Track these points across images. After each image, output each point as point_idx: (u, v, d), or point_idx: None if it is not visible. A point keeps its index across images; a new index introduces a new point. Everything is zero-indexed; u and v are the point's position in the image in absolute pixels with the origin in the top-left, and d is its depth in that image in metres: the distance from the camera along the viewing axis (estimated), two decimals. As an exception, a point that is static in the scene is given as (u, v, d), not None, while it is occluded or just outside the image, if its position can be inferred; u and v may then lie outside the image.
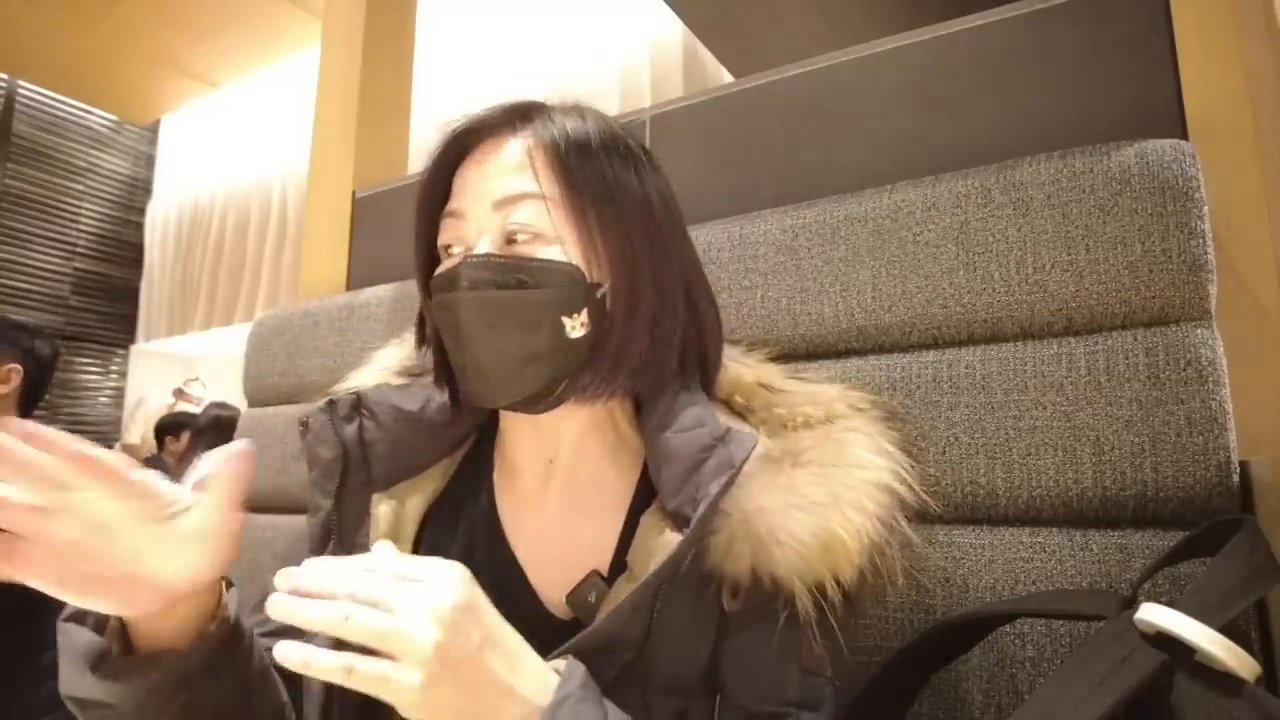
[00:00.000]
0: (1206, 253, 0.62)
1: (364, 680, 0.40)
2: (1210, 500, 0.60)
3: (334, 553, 0.58)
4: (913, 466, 0.57)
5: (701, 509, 0.50)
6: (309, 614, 0.41)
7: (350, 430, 0.60)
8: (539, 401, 0.57)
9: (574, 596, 0.55)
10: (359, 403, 0.61)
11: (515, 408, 0.57)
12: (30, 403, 1.48)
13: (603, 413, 0.62)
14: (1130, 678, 0.43)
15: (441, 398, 0.62)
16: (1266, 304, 0.66)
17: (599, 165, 0.57)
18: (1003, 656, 0.63)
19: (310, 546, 0.60)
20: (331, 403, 0.60)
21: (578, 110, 0.60)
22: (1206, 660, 0.43)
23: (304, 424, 0.61)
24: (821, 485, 0.54)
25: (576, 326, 0.55)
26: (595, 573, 0.56)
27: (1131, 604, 0.49)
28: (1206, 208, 0.63)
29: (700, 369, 0.62)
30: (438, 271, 0.59)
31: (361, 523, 0.59)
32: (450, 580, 0.43)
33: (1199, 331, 0.62)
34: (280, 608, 0.42)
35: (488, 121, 0.59)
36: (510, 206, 0.56)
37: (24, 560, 0.40)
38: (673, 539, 0.52)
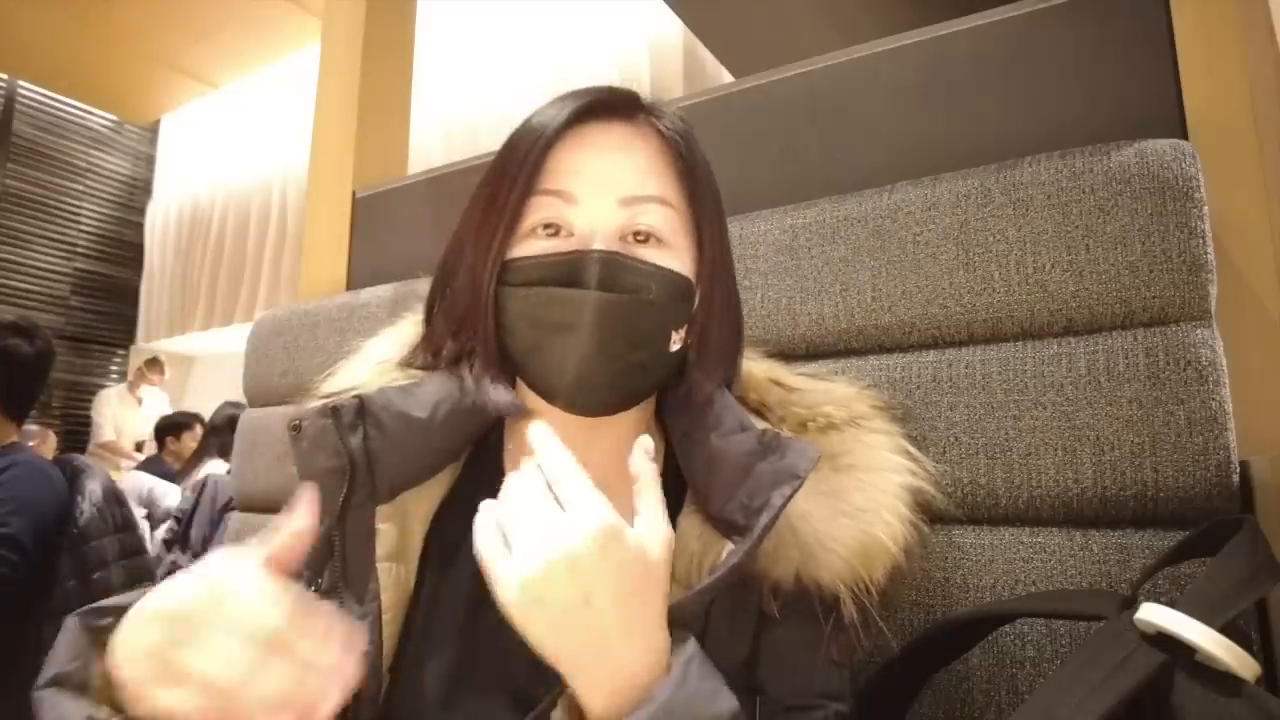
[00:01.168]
0: (1206, 253, 0.62)
1: (488, 558, 0.43)
2: (1210, 500, 0.60)
3: (335, 572, 0.53)
4: (930, 464, 0.58)
5: (764, 519, 0.48)
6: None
7: (356, 441, 0.54)
8: (621, 410, 0.56)
9: None
10: (363, 409, 0.55)
11: (596, 414, 0.55)
12: (13, 403, 1.39)
13: (643, 418, 0.61)
14: (1130, 678, 0.43)
15: (495, 394, 0.57)
16: (1266, 304, 0.66)
17: (707, 172, 0.58)
18: (1003, 656, 0.63)
19: (306, 561, 0.55)
20: (335, 409, 0.54)
21: (671, 107, 0.59)
22: (1207, 660, 0.43)
23: (296, 426, 0.55)
24: (862, 491, 0.54)
25: (677, 341, 0.55)
26: None
27: (1131, 604, 0.49)
28: (1206, 208, 0.63)
29: (728, 369, 0.62)
30: (535, 253, 0.54)
31: (367, 539, 0.54)
32: (580, 528, 0.42)
33: (1199, 331, 0.62)
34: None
35: (604, 106, 0.56)
36: (637, 206, 0.53)
37: None
38: (722, 546, 0.52)
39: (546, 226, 0.54)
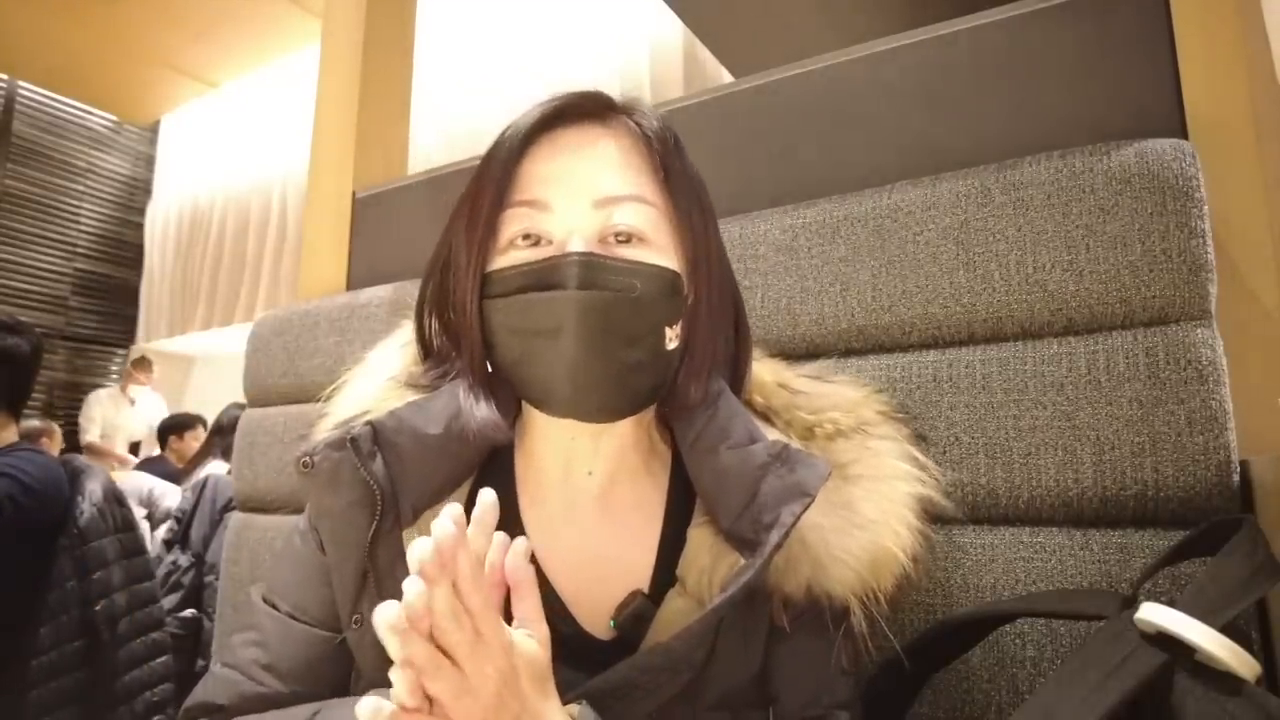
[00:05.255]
0: (1206, 253, 0.62)
1: None
2: (1210, 500, 0.60)
3: (372, 596, 0.52)
4: (937, 471, 0.59)
5: (775, 537, 0.48)
6: (412, 651, 0.39)
7: (378, 468, 0.53)
8: (627, 414, 0.55)
9: (620, 616, 0.54)
10: (377, 435, 0.54)
11: (601, 420, 0.54)
12: (11, 401, 1.39)
13: (645, 423, 0.60)
14: (1130, 677, 0.43)
15: (478, 411, 0.56)
16: (1266, 304, 0.66)
17: (688, 168, 0.57)
18: (1003, 656, 0.63)
19: (339, 597, 0.54)
20: (354, 439, 0.53)
21: (648, 106, 0.58)
22: (1207, 660, 0.43)
23: (307, 463, 0.53)
24: (872, 501, 0.55)
25: (673, 338, 0.54)
26: (639, 591, 0.55)
27: (1132, 604, 0.49)
28: (1206, 208, 0.63)
29: (734, 373, 0.61)
30: (513, 264, 0.53)
31: (396, 565, 0.52)
32: (499, 650, 0.41)
33: (1199, 331, 0.62)
34: (392, 636, 0.39)
35: (575, 109, 0.56)
36: (613, 206, 0.53)
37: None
38: (734, 560, 0.52)
39: (525, 237, 0.54)
